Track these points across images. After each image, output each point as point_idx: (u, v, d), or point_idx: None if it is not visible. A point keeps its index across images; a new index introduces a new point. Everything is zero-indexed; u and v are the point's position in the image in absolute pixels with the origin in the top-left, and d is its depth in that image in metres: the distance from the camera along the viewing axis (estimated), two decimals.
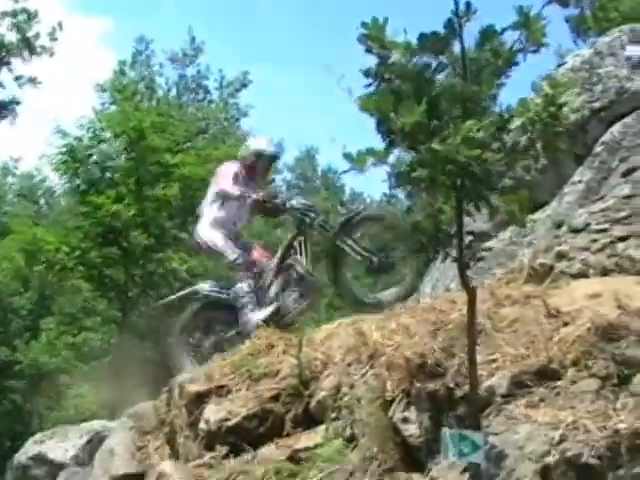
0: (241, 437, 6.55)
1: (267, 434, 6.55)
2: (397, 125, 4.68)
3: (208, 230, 8.75)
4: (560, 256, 7.55)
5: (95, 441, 9.27)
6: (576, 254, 7.43)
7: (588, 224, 7.58)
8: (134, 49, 36.14)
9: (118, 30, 65.07)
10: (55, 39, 27.05)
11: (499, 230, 8.90)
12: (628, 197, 7.51)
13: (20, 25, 26.59)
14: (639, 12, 16.10)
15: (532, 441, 4.69)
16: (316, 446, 6.03)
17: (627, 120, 8.31)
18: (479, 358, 5.06)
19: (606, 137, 8.35)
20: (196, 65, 36.37)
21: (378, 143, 4.88)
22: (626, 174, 7.77)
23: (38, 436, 10.53)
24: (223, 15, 65.37)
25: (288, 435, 6.47)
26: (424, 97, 4.66)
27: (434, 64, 4.77)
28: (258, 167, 8.84)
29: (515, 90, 5.10)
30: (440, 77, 4.80)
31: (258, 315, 8.36)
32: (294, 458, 6.08)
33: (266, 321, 8.30)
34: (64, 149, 19.55)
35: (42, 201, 39.55)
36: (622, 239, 7.20)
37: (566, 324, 5.61)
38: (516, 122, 4.81)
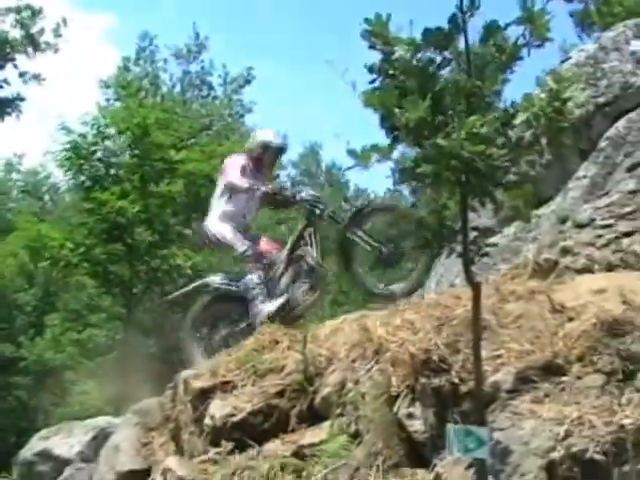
0: (246, 433, 6.55)
1: (272, 430, 6.55)
2: (401, 121, 4.67)
3: (217, 223, 8.75)
4: (565, 251, 7.55)
5: (100, 437, 9.25)
6: (581, 249, 7.43)
7: (593, 219, 7.58)
8: (137, 45, 36.16)
9: (122, 27, 65.06)
10: (59, 35, 27.08)
11: (503, 226, 8.90)
12: (633, 192, 7.51)
13: (24, 22, 26.59)
14: None
15: (537, 437, 4.69)
16: (321, 442, 6.02)
17: (632, 115, 8.31)
18: (484, 354, 5.05)
19: (611, 132, 8.34)
20: (200, 61, 36.39)
21: (382, 139, 4.88)
22: (631, 169, 7.77)
23: (43, 432, 10.52)
24: (226, 11, 65.29)
25: (293, 431, 6.47)
26: (428, 92, 4.66)
27: (438, 59, 4.77)
28: (265, 159, 8.83)
29: (520, 85, 5.09)
30: (444, 72, 4.79)
31: (268, 307, 8.35)
32: (299, 454, 6.08)
33: (276, 312, 8.30)
34: (68, 145, 19.52)
35: (47, 197, 39.59)
36: (627, 234, 7.20)
37: (571, 319, 5.61)
38: (520, 117, 4.80)
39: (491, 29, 4.71)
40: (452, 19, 4.69)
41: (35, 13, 26.58)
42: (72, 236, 19.59)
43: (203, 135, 24.25)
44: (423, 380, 5.50)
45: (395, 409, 5.62)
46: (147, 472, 7.45)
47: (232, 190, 8.69)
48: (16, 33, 26.85)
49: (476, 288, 4.84)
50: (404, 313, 6.57)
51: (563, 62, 9.40)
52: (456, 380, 5.35)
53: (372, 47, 4.82)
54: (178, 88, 35.56)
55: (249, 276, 8.47)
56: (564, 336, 5.39)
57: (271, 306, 8.34)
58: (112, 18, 74.48)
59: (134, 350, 18.75)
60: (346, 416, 6.09)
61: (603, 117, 8.57)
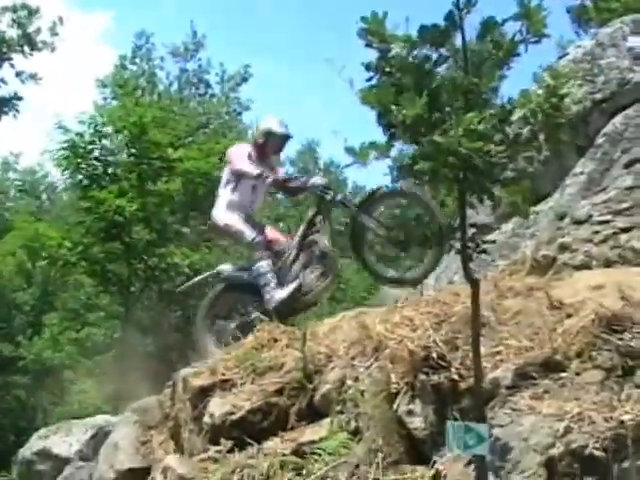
0: (246, 431, 6.54)
1: (271, 428, 6.55)
2: (398, 118, 4.68)
3: (224, 212, 8.75)
4: (563, 248, 7.57)
5: (99, 436, 9.26)
6: (579, 246, 7.45)
7: (590, 216, 7.59)
8: (134, 44, 36.09)
9: (118, 26, 65.06)
10: (56, 34, 27.05)
11: (501, 222, 8.91)
12: (630, 188, 7.52)
13: (21, 21, 26.58)
14: None
15: (537, 433, 4.70)
16: (321, 439, 6.03)
17: (629, 111, 8.30)
18: (483, 350, 5.06)
19: (608, 128, 8.34)
20: (197, 60, 36.36)
21: (380, 136, 4.89)
22: (628, 165, 7.77)
23: (42, 431, 10.52)
24: (226, 9, 65.34)
25: (293, 429, 6.47)
26: (425, 89, 4.66)
27: (435, 56, 4.77)
28: (268, 147, 8.83)
29: (517, 82, 5.10)
30: (441, 69, 4.80)
31: (281, 293, 8.33)
32: (299, 452, 6.07)
33: (289, 298, 8.31)
34: (65, 144, 19.50)
35: (44, 196, 39.58)
36: (625, 230, 7.21)
37: (570, 316, 5.62)
38: (518, 114, 4.80)
39: (488, 25, 4.71)
40: (449, 16, 4.70)
41: (32, 12, 26.57)
42: (70, 235, 19.58)
43: (200, 133, 24.21)
44: (422, 377, 5.50)
45: (395, 406, 5.62)
46: (146, 470, 7.45)
47: (239, 178, 8.70)
48: (13, 32, 26.86)
49: (475, 285, 4.85)
50: (403, 310, 6.58)
51: (560, 58, 9.40)
52: (455, 377, 5.36)
53: (369, 45, 4.83)
54: (175, 86, 35.55)
55: (259, 263, 8.46)
56: (563, 332, 5.40)
57: (283, 292, 8.32)
58: (109, 17, 74.49)
59: (132, 348, 18.73)
60: (346, 413, 6.09)
61: (600, 113, 8.56)
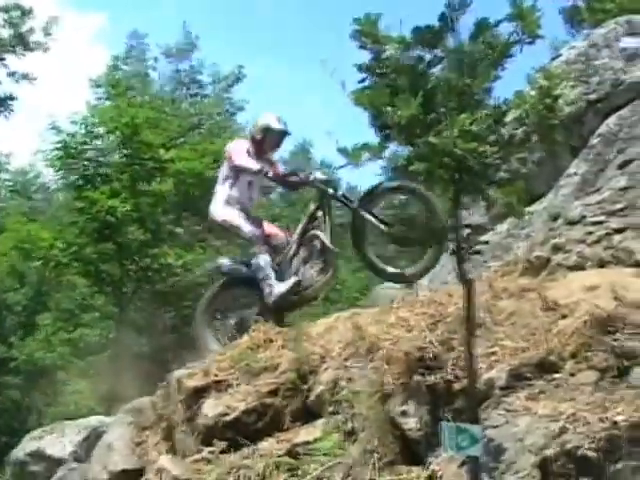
0: (240, 432, 6.54)
1: (266, 429, 6.54)
2: (393, 119, 4.68)
3: (222, 208, 8.74)
4: (556, 248, 7.57)
5: (93, 437, 9.24)
6: (572, 246, 7.45)
7: (584, 216, 7.60)
8: (127, 44, 36.03)
9: (112, 27, 64.95)
10: (49, 34, 26.97)
11: (495, 223, 8.91)
12: (624, 189, 7.52)
13: (13, 21, 26.50)
14: (636, 3, 16.05)
15: (531, 433, 4.70)
16: (315, 440, 6.03)
17: (623, 112, 8.31)
18: (478, 351, 5.07)
19: (602, 129, 8.35)
20: (191, 60, 36.30)
21: (374, 137, 4.90)
22: (622, 166, 7.78)
23: (36, 432, 10.51)
24: (220, 9, 65.25)
25: (287, 429, 6.46)
26: (419, 90, 4.67)
27: (429, 57, 4.78)
28: (266, 143, 8.84)
29: (512, 83, 5.10)
30: (435, 70, 4.80)
31: (280, 287, 8.32)
32: (293, 452, 6.07)
33: (288, 293, 8.30)
34: (58, 145, 19.47)
35: (38, 197, 39.45)
36: (618, 231, 7.22)
37: (564, 316, 5.63)
38: (512, 115, 4.81)
39: (482, 26, 4.73)
40: (442, 17, 4.71)
41: (25, 13, 26.50)
42: (63, 235, 19.55)
43: (193, 134, 24.18)
44: (417, 378, 5.51)
45: (389, 407, 5.63)
46: (140, 472, 7.42)
47: (237, 174, 8.71)
48: (5, 33, 26.79)
49: (469, 285, 4.85)
50: (398, 311, 6.58)
51: (554, 59, 9.41)
52: (450, 377, 5.37)
53: (362, 47, 4.83)
54: (168, 87, 35.48)
55: (258, 257, 8.45)
56: (557, 333, 5.41)
57: (283, 286, 8.31)
58: (102, 18, 74.33)
59: (126, 349, 18.72)
60: (340, 414, 6.09)
61: (594, 114, 8.57)
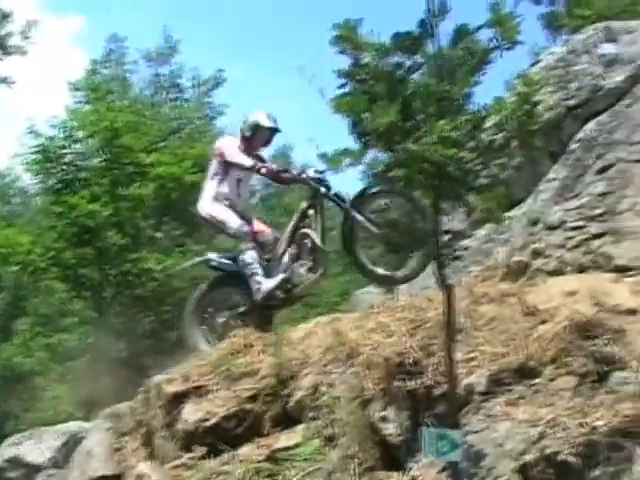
0: (220, 437, 6.52)
1: (246, 434, 6.52)
2: (371, 126, 4.68)
3: (210, 203, 8.72)
4: (536, 253, 7.59)
5: (71, 443, 9.20)
6: (552, 251, 7.48)
7: (564, 221, 7.62)
8: (106, 48, 35.84)
9: (91, 30, 64.60)
10: (28, 37, 26.87)
11: (475, 228, 8.92)
12: (603, 194, 7.55)
13: None
14: (614, 9, 16.16)
15: (511, 439, 4.71)
16: (295, 445, 6.02)
17: (602, 117, 8.34)
18: (458, 356, 5.08)
19: (581, 134, 8.37)
20: (171, 64, 36.16)
21: (355, 143, 4.90)
22: (601, 171, 7.80)
23: (14, 438, 10.44)
24: (200, 13, 64.96)
25: (267, 435, 6.45)
26: (397, 97, 4.67)
27: (408, 63, 4.78)
28: (256, 140, 8.81)
29: (492, 88, 5.11)
30: (414, 76, 4.81)
31: (267, 283, 8.30)
32: (273, 458, 6.06)
33: (275, 289, 8.28)
34: (37, 149, 19.37)
35: (17, 200, 39.25)
36: (597, 236, 7.25)
37: (544, 322, 5.64)
38: (492, 120, 4.82)
39: (461, 33, 4.74)
40: (422, 23, 4.71)
41: (4, 16, 26.39)
42: (41, 240, 19.43)
43: (173, 138, 24.11)
44: (397, 383, 5.51)
45: (369, 412, 5.63)
46: (119, 477, 7.40)
47: (227, 170, 8.68)
48: None
49: (449, 290, 4.86)
50: (378, 316, 6.58)
51: (533, 65, 9.44)
52: (430, 383, 5.37)
53: (342, 52, 4.83)
54: (148, 91, 35.35)
55: (245, 253, 8.41)
56: (537, 338, 5.42)
57: (270, 283, 8.29)
58: (81, 21, 74.03)
59: (105, 354, 18.61)
60: (320, 420, 6.08)
61: (573, 119, 8.60)
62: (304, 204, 8.52)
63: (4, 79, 27.07)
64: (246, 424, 6.57)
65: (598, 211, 7.45)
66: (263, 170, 8.64)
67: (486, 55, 4.73)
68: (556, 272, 7.27)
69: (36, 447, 9.71)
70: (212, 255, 8.90)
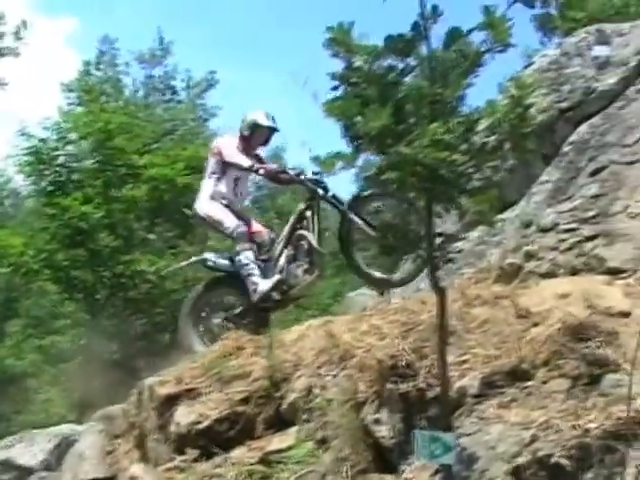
0: (212, 440, 6.51)
1: (238, 437, 6.51)
2: (364, 129, 4.67)
3: (207, 203, 8.70)
4: (529, 256, 7.60)
5: (64, 445, 9.17)
6: (545, 254, 7.49)
7: (556, 224, 7.63)
8: (98, 49, 35.77)
9: (84, 31, 64.53)
10: (20, 38, 26.86)
11: (468, 231, 8.92)
12: (596, 197, 7.57)
13: None
14: (606, 12, 16.18)
15: (504, 442, 4.71)
16: (288, 448, 6.01)
17: (594, 120, 8.36)
18: (450, 359, 5.07)
19: (574, 137, 8.40)
20: (164, 66, 36.12)
21: (347, 147, 4.89)
22: (594, 174, 7.82)
23: (5, 441, 10.40)
24: (193, 14, 64.91)
25: (260, 437, 6.44)
26: (389, 100, 4.66)
27: (401, 66, 4.78)
28: (253, 139, 8.80)
29: (485, 91, 5.12)
30: (407, 79, 4.80)
31: (263, 284, 8.28)
32: (266, 460, 6.05)
33: (271, 290, 8.27)
34: (29, 150, 19.35)
35: (9, 202, 39.18)
36: (590, 238, 7.26)
37: (536, 324, 5.64)
38: (484, 123, 4.82)
39: (454, 35, 4.73)
40: (415, 26, 4.71)
41: None
42: (33, 242, 19.40)
43: (166, 140, 24.08)
44: (390, 386, 5.50)
45: (362, 415, 5.62)
46: None
47: (224, 169, 8.67)
48: None
49: (441, 293, 4.85)
50: (371, 318, 6.57)
51: (526, 67, 9.46)
52: (423, 385, 5.36)
53: (335, 55, 4.82)
54: (141, 92, 35.31)
55: (242, 254, 8.39)
56: (530, 341, 5.42)
57: (266, 284, 8.27)
58: (74, 22, 73.94)
59: (98, 356, 18.58)
60: (313, 422, 6.07)
61: (566, 122, 8.62)
62: (301, 205, 8.51)
63: None
64: (239, 427, 6.56)
65: (591, 213, 7.46)
66: (261, 170, 8.63)
67: (478, 58, 4.72)
68: (549, 274, 7.28)
69: (28, 450, 9.67)
70: (209, 255, 8.89)
